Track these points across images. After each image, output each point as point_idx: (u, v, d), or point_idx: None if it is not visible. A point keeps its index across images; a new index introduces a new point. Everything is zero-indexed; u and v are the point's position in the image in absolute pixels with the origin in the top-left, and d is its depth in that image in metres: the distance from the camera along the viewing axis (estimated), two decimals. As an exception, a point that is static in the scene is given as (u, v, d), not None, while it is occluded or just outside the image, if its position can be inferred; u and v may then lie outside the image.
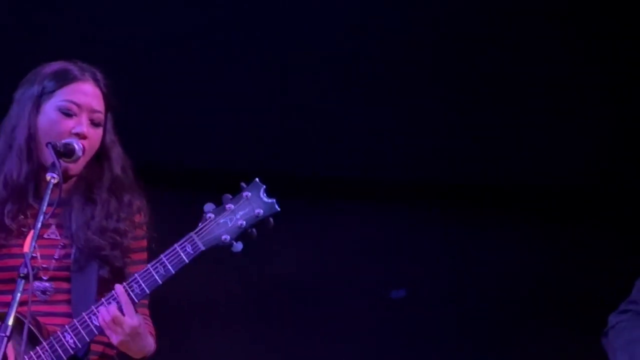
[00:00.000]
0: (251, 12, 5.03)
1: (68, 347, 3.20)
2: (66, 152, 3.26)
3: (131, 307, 3.18)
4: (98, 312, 3.19)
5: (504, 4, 5.08)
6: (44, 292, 3.31)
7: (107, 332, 3.19)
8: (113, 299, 3.20)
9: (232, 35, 5.07)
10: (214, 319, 5.28)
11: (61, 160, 3.22)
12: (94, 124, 3.35)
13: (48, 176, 3.16)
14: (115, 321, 3.17)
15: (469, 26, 5.15)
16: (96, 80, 3.38)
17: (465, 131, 5.56)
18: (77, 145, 3.28)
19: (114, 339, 3.19)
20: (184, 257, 3.18)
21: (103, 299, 3.22)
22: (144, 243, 3.42)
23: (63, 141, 3.27)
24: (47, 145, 3.25)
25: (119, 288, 3.20)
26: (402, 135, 5.57)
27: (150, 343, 3.27)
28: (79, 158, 3.29)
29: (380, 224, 5.77)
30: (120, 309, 3.18)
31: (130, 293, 3.21)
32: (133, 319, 3.18)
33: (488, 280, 5.72)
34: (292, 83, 5.32)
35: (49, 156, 3.23)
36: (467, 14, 5.09)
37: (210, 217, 3.20)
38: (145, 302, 3.37)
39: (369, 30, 5.14)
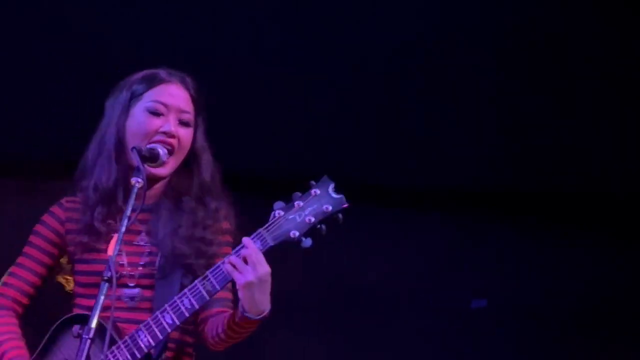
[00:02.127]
0: (336, 15, 5.05)
1: (142, 345, 3.24)
2: (151, 157, 3.32)
3: (261, 255, 3.17)
4: (227, 258, 3.19)
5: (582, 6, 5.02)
6: (131, 298, 3.37)
7: (235, 274, 3.17)
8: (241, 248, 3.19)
9: (316, 40, 5.09)
10: (291, 323, 5.29)
11: (146, 165, 3.28)
12: (182, 123, 3.41)
13: (132, 180, 3.21)
14: (246, 260, 3.16)
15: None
16: (184, 83, 3.45)
17: (552, 141, 5.49)
18: (161, 150, 3.34)
19: (241, 279, 3.15)
20: None
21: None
22: (229, 250, 3.40)
23: (148, 146, 3.33)
24: (132, 149, 3.31)
25: (246, 239, 3.20)
26: (485, 144, 5.54)
27: (269, 303, 3.21)
28: (163, 163, 3.35)
29: (462, 233, 5.75)
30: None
31: (213, 280, 3.22)
32: (264, 266, 3.17)
33: (571, 292, 5.65)
34: (370, 91, 5.32)
35: (134, 160, 3.29)
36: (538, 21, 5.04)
37: (279, 214, 3.22)
38: (229, 287, 3.36)
39: (447, 37, 5.12)
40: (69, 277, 3.53)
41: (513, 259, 5.77)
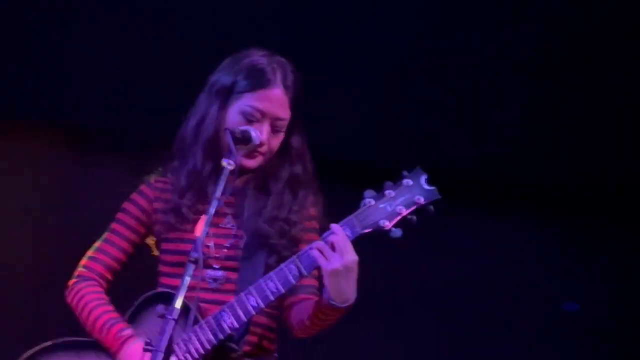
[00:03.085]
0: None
1: (225, 327, 3.21)
2: (243, 139, 3.28)
3: (349, 243, 3.13)
4: (315, 244, 3.16)
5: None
6: (215, 279, 3.35)
7: (321, 260, 3.14)
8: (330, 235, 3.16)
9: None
10: (378, 314, 5.25)
11: (238, 148, 3.24)
12: (274, 130, 3.37)
13: (224, 162, 3.18)
14: (334, 246, 3.13)
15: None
16: (286, 87, 3.37)
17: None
18: (254, 132, 3.30)
19: (327, 266, 3.12)
20: None
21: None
22: (314, 236, 3.36)
23: (241, 128, 3.30)
24: (225, 130, 3.29)
25: (335, 225, 3.16)
26: (582, 145, 5.41)
27: (355, 291, 3.16)
28: (255, 146, 3.31)
29: (556, 234, 5.63)
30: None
31: (300, 264, 3.18)
32: (353, 253, 3.13)
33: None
34: (469, 89, 5.24)
35: (227, 142, 3.26)
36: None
37: (370, 202, 3.17)
38: (315, 273, 3.32)
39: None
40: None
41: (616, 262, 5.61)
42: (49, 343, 3.39)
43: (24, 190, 5.17)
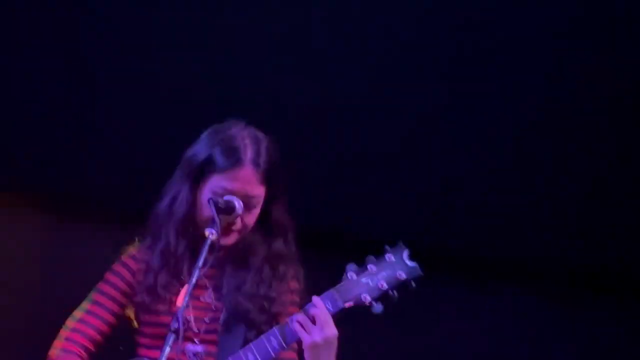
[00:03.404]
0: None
1: None
2: (226, 209, 3.27)
3: (329, 316, 3.14)
4: (295, 316, 3.17)
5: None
6: (195, 354, 3.33)
7: (302, 333, 3.15)
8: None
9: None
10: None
11: (221, 218, 3.22)
12: (247, 208, 3.35)
13: (207, 232, 3.18)
14: (314, 319, 3.13)
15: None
16: (257, 165, 3.34)
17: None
18: (237, 203, 3.29)
19: (307, 339, 3.13)
20: None
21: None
22: (295, 309, 3.35)
23: (225, 198, 3.28)
24: (208, 201, 3.27)
25: (316, 298, 3.17)
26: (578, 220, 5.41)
27: None
28: (237, 216, 3.30)
29: (539, 309, 5.59)
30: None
31: (280, 337, 3.18)
32: (332, 328, 3.14)
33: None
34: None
35: (208, 212, 3.25)
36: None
37: (351, 277, 3.19)
38: (295, 347, 3.31)
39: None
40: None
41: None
42: None
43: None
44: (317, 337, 3.12)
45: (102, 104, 5.05)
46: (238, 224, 3.32)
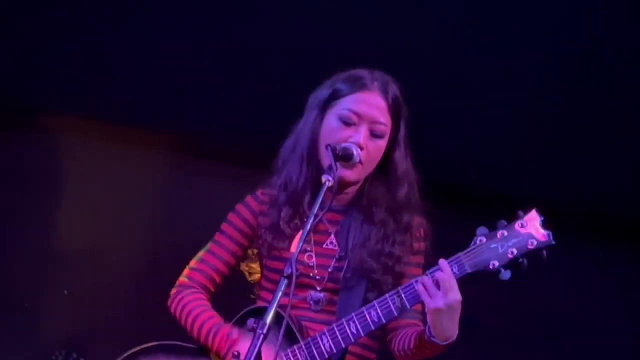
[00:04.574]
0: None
1: (323, 350, 3.20)
2: (344, 156, 3.24)
3: (455, 282, 3.08)
4: (421, 278, 3.13)
5: None
6: (317, 302, 3.34)
7: (425, 297, 3.10)
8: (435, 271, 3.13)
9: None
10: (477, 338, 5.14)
11: (338, 164, 3.20)
12: (373, 135, 3.33)
13: (323, 178, 3.15)
14: (439, 284, 3.08)
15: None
16: (385, 92, 3.34)
17: None
18: (355, 150, 3.26)
19: (430, 304, 3.08)
20: None
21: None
22: (419, 272, 3.34)
23: (343, 145, 3.26)
24: (326, 147, 3.24)
25: (442, 262, 3.12)
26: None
27: (456, 329, 3.13)
28: (355, 164, 3.27)
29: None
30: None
31: (404, 298, 3.16)
32: (457, 292, 3.09)
33: None
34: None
35: (327, 158, 3.23)
36: None
37: (481, 241, 3.12)
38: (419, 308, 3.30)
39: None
40: (252, 265, 3.53)
41: None
42: (153, 344, 3.41)
43: (132, 194, 5.23)
44: (440, 302, 3.07)
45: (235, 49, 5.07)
46: (363, 154, 3.28)
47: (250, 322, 2.95)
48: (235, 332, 3.29)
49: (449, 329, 3.10)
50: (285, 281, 2.93)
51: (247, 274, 3.55)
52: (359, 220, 3.37)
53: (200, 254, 3.50)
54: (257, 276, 3.53)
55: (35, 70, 5.10)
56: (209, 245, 3.50)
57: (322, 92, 3.39)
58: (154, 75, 5.10)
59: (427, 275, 3.13)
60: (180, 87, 5.10)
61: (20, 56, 5.07)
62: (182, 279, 3.49)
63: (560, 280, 5.25)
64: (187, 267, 3.51)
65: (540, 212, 3.13)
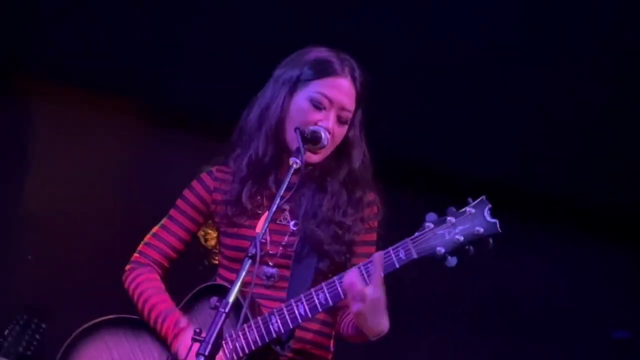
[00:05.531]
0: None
1: (272, 330, 3.24)
2: (312, 139, 3.27)
3: (379, 278, 3.10)
4: (343, 276, 3.15)
5: None
6: (269, 277, 3.37)
7: (349, 297, 3.12)
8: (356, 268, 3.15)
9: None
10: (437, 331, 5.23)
11: (305, 147, 3.24)
12: (340, 121, 3.36)
13: (291, 160, 3.18)
14: (356, 288, 3.10)
15: None
16: (354, 78, 3.38)
17: None
18: (324, 134, 3.29)
19: (353, 307, 3.12)
20: (395, 261, 3.14)
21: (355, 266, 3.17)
22: (372, 237, 3.40)
23: (311, 128, 3.29)
24: (295, 130, 3.27)
25: (377, 255, 3.13)
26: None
27: (385, 322, 3.15)
28: (323, 147, 3.31)
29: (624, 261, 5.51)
30: (364, 279, 3.12)
31: (338, 286, 3.19)
32: (376, 291, 3.10)
33: None
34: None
35: (294, 141, 3.26)
36: None
37: (429, 227, 3.14)
38: None
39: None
40: (208, 231, 3.55)
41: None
42: (110, 317, 3.45)
43: (101, 161, 5.25)
44: (360, 305, 3.09)
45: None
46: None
47: (214, 300, 2.97)
48: (183, 321, 3.32)
49: (377, 325, 3.13)
50: (250, 261, 2.96)
51: (202, 239, 3.57)
52: (311, 192, 3.40)
53: (155, 229, 3.52)
54: (213, 242, 3.55)
55: (9, 33, 5.09)
56: (164, 220, 3.52)
57: (291, 71, 3.39)
58: (126, 41, 5.11)
59: (355, 270, 3.15)
60: (153, 54, 5.11)
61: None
62: (136, 254, 3.53)
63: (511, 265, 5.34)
64: (142, 242, 3.54)
65: (489, 199, 3.15)
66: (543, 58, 4.94)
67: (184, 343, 3.26)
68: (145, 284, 3.45)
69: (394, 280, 3.16)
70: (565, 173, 5.26)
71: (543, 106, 5.11)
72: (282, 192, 3.11)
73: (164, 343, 3.35)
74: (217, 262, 3.52)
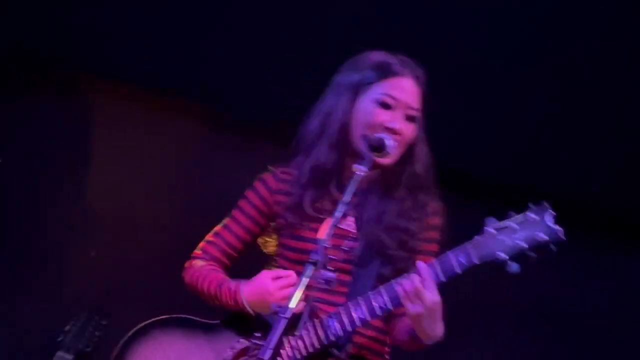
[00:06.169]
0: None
1: (330, 334, 3.24)
2: (378, 147, 3.27)
3: (433, 282, 3.11)
4: (402, 280, 3.15)
5: None
6: (327, 282, 3.32)
7: (406, 302, 3.13)
8: (414, 273, 3.15)
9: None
10: (479, 328, 5.18)
11: (372, 155, 3.25)
12: (408, 118, 3.36)
13: (354, 167, 3.19)
14: (416, 292, 3.11)
15: None
16: (416, 78, 3.38)
17: None
18: (389, 142, 3.29)
19: (411, 309, 3.12)
20: (455, 266, 3.13)
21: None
22: (434, 247, 3.38)
23: (377, 135, 3.29)
24: (361, 137, 3.29)
25: (420, 264, 3.14)
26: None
27: (441, 328, 3.17)
28: (387, 154, 3.30)
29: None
30: (422, 282, 3.12)
31: (397, 289, 3.18)
32: (434, 294, 3.11)
33: None
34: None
35: (360, 147, 3.27)
36: None
37: (489, 232, 3.12)
38: None
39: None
40: (268, 239, 3.56)
41: None
42: (164, 317, 3.48)
43: (164, 162, 5.29)
44: (420, 308, 3.10)
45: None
46: (399, 137, 3.31)
47: (274, 305, 2.99)
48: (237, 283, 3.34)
49: (432, 330, 3.14)
50: (312, 267, 2.97)
51: (262, 246, 3.58)
52: (376, 198, 3.40)
53: (217, 228, 3.55)
54: (272, 248, 3.56)
55: (77, 34, 5.15)
56: (226, 220, 3.55)
57: (351, 76, 3.40)
58: (193, 47, 5.15)
59: (407, 278, 3.15)
60: (214, 59, 5.14)
61: (56, 17, 5.11)
62: (197, 251, 3.56)
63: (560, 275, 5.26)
64: (203, 240, 3.57)
65: (552, 206, 3.13)
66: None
67: (256, 282, 3.28)
68: (206, 267, 3.49)
69: (450, 287, 3.16)
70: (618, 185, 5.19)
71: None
72: (347, 198, 3.10)
73: (220, 344, 3.36)
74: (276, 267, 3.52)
